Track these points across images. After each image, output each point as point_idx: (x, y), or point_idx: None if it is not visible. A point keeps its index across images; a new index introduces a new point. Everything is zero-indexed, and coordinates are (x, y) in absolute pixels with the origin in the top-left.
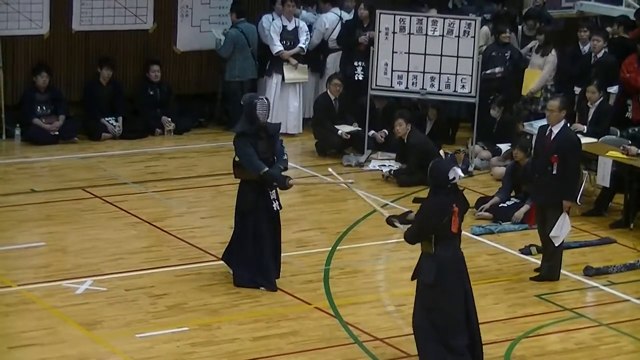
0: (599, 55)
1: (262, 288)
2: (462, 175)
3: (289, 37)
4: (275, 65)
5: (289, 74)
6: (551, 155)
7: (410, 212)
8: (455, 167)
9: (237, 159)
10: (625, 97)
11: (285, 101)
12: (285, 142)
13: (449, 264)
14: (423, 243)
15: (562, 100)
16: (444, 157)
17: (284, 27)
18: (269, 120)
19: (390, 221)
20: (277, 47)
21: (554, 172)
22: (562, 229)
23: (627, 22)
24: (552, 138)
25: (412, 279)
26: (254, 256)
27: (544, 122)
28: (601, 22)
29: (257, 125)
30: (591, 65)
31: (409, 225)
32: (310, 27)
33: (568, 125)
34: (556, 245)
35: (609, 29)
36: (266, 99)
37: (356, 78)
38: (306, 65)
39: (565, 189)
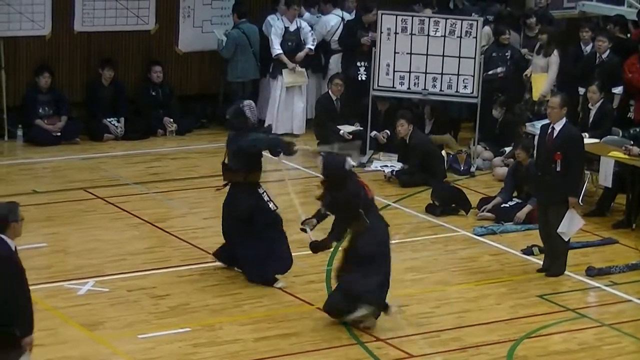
0: (604, 56)
1: (278, 277)
2: (354, 163)
3: (292, 38)
4: (279, 67)
5: (288, 77)
6: (554, 152)
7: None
8: (347, 157)
9: (226, 161)
10: (628, 97)
11: (291, 102)
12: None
13: (381, 231)
14: (354, 224)
15: (563, 97)
16: (445, 157)
17: (286, 28)
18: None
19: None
20: (277, 50)
21: (558, 169)
22: (570, 225)
23: (623, 21)
24: (554, 136)
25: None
26: (262, 252)
27: (546, 121)
28: (603, 22)
29: (249, 128)
30: (595, 65)
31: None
32: (311, 27)
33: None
34: (565, 240)
35: (608, 27)
36: (249, 101)
37: (360, 79)
38: (304, 69)
39: (568, 185)
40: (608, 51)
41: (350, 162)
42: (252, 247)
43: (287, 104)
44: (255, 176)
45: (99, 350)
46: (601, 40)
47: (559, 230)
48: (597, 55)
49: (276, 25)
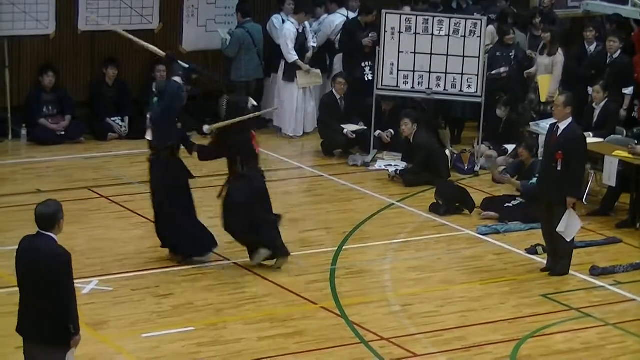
0: (615, 56)
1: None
2: (256, 103)
3: (300, 40)
4: (293, 70)
5: (302, 79)
6: (556, 151)
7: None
8: (249, 98)
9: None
10: (634, 96)
11: (303, 102)
12: (298, 141)
13: (255, 181)
14: (232, 166)
15: (568, 96)
16: (449, 156)
17: (296, 30)
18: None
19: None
20: (294, 56)
21: (559, 168)
22: (569, 225)
23: (620, 20)
24: (558, 134)
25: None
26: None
27: (554, 121)
28: (607, 22)
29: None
30: (606, 65)
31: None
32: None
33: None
34: (567, 240)
35: (607, 26)
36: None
37: (366, 79)
38: (319, 70)
39: (568, 185)
40: (619, 51)
41: (253, 102)
42: (192, 220)
43: (300, 104)
44: (174, 151)
45: (103, 349)
46: (612, 40)
47: (557, 229)
48: (608, 55)
49: (289, 30)
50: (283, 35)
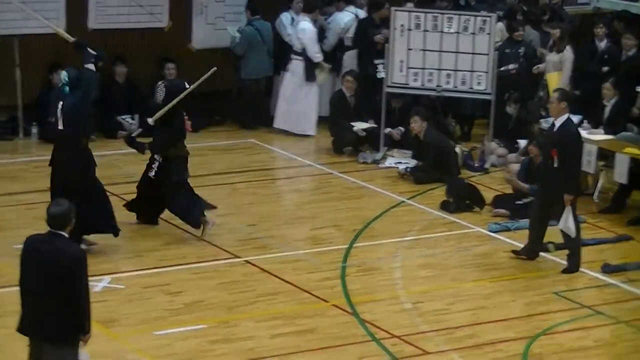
0: (630, 53)
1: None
2: (188, 87)
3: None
4: (312, 69)
5: (319, 76)
6: (552, 148)
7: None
8: (184, 82)
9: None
10: None
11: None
12: (308, 139)
13: (187, 159)
14: (176, 148)
15: (562, 92)
16: (460, 154)
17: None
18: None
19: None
20: (320, 56)
21: (555, 165)
22: (567, 223)
23: (629, 16)
24: (553, 131)
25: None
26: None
27: None
28: (616, 19)
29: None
30: (621, 63)
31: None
32: (322, 28)
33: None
34: (572, 236)
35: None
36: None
37: (378, 76)
38: (330, 66)
39: (565, 182)
40: (634, 49)
41: (187, 85)
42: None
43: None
44: (84, 140)
45: (115, 346)
46: (628, 38)
47: (559, 226)
48: (623, 52)
49: (312, 30)
50: (307, 37)
